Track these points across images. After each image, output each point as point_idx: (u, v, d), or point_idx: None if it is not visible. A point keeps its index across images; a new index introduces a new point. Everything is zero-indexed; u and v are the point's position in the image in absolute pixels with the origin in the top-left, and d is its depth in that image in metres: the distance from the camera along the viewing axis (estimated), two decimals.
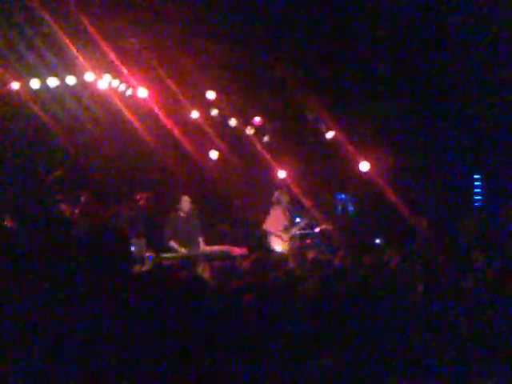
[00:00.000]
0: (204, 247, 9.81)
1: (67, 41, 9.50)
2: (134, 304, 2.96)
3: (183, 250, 9.47)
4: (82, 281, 2.99)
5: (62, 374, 2.72)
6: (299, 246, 10.40)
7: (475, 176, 12.49)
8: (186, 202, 9.85)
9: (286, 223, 10.37)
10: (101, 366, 2.71)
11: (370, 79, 11.01)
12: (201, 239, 9.90)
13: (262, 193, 11.32)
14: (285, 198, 10.47)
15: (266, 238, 10.29)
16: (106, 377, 2.72)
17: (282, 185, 11.11)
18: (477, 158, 11.99)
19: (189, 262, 7.31)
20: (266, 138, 12.09)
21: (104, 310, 2.83)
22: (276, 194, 10.55)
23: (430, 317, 4.61)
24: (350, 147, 11.21)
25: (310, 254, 7.79)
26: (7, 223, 8.49)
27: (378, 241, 10.03)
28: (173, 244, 9.55)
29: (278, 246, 10.19)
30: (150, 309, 3.06)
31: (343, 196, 13.62)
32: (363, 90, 11.18)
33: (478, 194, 12.47)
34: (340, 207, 13.65)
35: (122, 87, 10.67)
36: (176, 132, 11.05)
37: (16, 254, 3.45)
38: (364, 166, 11.01)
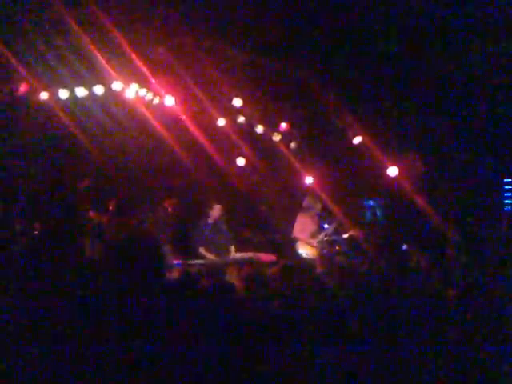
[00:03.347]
0: (234, 254, 9.81)
1: (95, 50, 9.59)
2: (164, 310, 2.96)
3: (212, 257, 9.47)
4: (110, 289, 2.99)
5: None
6: (327, 252, 10.34)
7: (506, 180, 12.31)
8: (216, 210, 9.88)
9: (314, 229, 10.32)
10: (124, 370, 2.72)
11: (398, 84, 10.93)
12: (232, 247, 9.90)
13: (290, 199, 11.28)
14: (315, 204, 10.41)
15: (295, 244, 10.26)
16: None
17: (311, 191, 11.05)
18: (507, 162, 11.82)
19: (217, 269, 7.30)
20: (292, 145, 12.06)
21: (134, 316, 2.83)
22: (306, 199, 10.51)
23: (461, 322, 4.56)
24: (377, 152, 11.14)
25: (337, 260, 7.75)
26: (36, 232, 8.59)
27: (404, 247, 9.90)
28: (202, 251, 9.56)
29: (306, 252, 10.14)
30: (177, 315, 3.06)
31: (372, 202, 13.51)
32: (391, 95, 11.11)
33: (508, 198, 12.29)
34: (369, 213, 13.55)
35: (149, 96, 10.72)
36: (203, 139, 11.08)
37: (43, 261, 3.48)
38: (392, 171, 10.92)
